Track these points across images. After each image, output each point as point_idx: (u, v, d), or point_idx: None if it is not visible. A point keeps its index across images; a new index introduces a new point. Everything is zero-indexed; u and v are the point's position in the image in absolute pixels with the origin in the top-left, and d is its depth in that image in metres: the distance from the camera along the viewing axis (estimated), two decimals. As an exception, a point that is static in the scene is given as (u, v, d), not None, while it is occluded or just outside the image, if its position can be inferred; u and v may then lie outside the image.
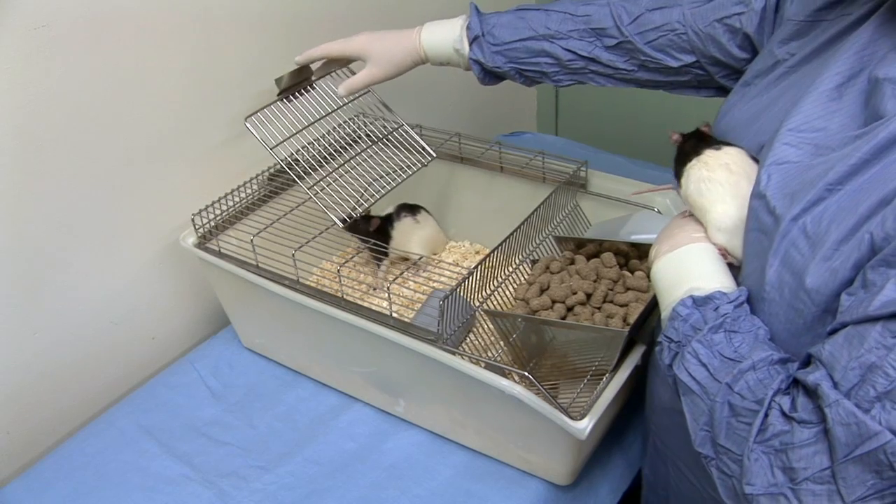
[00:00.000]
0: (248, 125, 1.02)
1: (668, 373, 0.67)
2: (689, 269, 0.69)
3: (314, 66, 1.10)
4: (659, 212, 1.06)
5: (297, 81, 1.08)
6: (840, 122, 0.64)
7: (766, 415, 0.57)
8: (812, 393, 0.55)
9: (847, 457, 0.52)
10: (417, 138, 1.12)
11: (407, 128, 1.13)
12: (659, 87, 0.95)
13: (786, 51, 0.75)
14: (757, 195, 0.66)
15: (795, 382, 0.58)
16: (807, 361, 0.59)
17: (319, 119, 1.08)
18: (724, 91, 0.90)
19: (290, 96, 1.08)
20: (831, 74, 0.66)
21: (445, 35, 1.00)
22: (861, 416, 0.51)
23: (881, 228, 0.54)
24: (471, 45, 0.99)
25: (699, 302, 0.66)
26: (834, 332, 0.56)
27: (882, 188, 0.56)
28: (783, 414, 0.56)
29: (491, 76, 1.02)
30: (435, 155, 1.10)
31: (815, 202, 0.60)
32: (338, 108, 1.10)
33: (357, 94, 1.11)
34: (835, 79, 0.65)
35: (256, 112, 1.04)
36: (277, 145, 1.03)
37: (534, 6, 0.98)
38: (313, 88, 1.10)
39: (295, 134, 1.06)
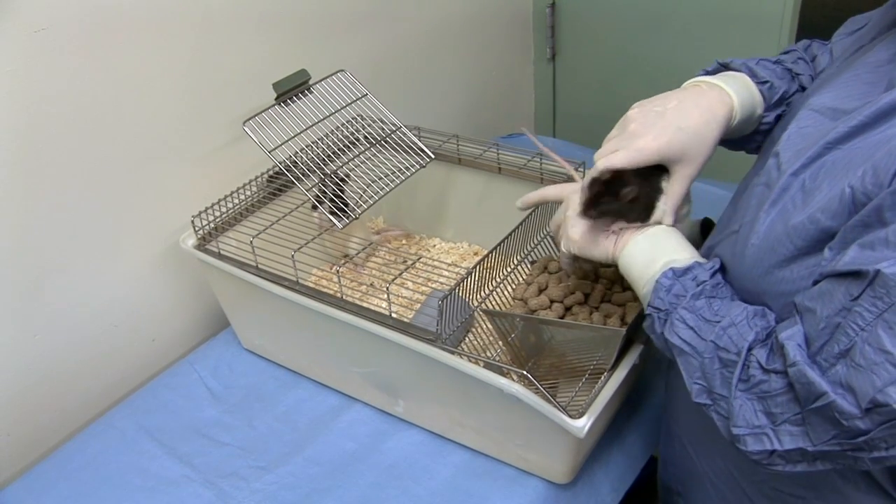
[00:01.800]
0: (246, 129, 1.03)
1: (659, 339, 0.72)
2: (663, 246, 0.74)
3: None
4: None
5: (296, 85, 1.09)
6: (863, 89, 0.66)
7: (746, 365, 0.63)
8: (782, 348, 0.60)
9: (807, 409, 0.58)
10: (416, 140, 1.13)
11: (405, 130, 1.14)
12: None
13: (878, 29, 0.73)
14: (773, 154, 0.69)
15: (774, 334, 0.62)
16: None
17: (318, 122, 1.09)
18: None
19: (288, 100, 1.08)
20: (872, 56, 0.68)
21: (747, 86, 0.80)
22: (811, 376, 0.56)
23: (860, 183, 0.57)
24: (765, 100, 0.81)
25: (678, 273, 0.70)
26: (815, 283, 0.60)
27: (873, 149, 0.58)
28: (760, 365, 0.61)
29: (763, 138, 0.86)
30: (433, 157, 1.11)
31: (814, 158, 0.63)
32: (336, 111, 1.11)
33: (357, 97, 1.11)
34: (874, 60, 0.68)
35: (255, 116, 1.04)
36: (276, 148, 1.03)
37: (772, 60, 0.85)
38: (311, 92, 1.10)
39: (293, 137, 1.06)
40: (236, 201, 1.11)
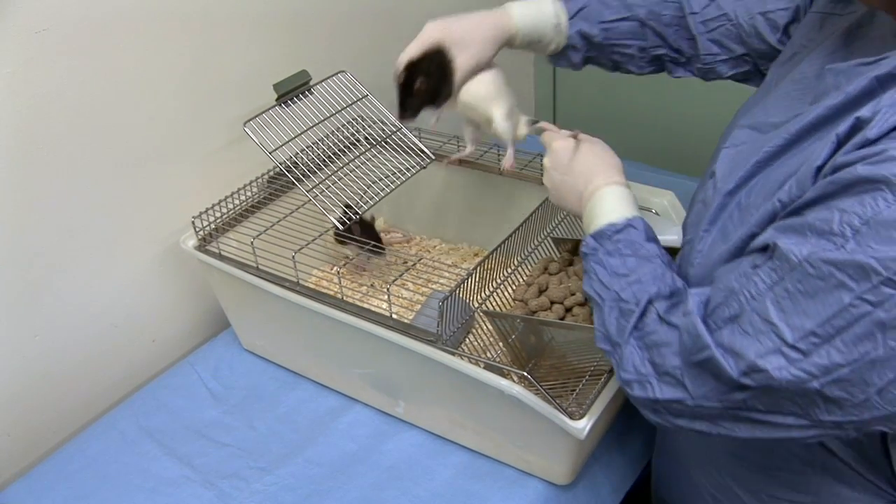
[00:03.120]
0: (246, 129, 1.03)
1: (585, 295, 0.76)
2: (592, 211, 0.79)
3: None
4: (657, 213, 1.06)
5: (296, 86, 1.09)
6: (788, 105, 0.69)
7: (643, 315, 0.67)
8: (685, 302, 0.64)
9: (690, 360, 0.61)
10: (416, 141, 1.13)
11: (406, 131, 1.14)
12: (718, 74, 0.95)
13: (801, 42, 0.77)
14: (709, 173, 0.73)
15: (683, 292, 0.67)
16: None
17: (318, 123, 1.09)
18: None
19: (289, 101, 1.08)
20: (798, 71, 0.72)
21: (539, 10, 0.92)
22: (700, 329, 0.60)
23: (787, 196, 0.60)
24: (572, 18, 0.93)
25: (596, 236, 0.75)
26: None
27: (798, 164, 0.61)
28: (658, 316, 0.66)
29: (589, 53, 0.97)
30: (434, 157, 1.11)
31: (746, 178, 0.67)
32: (337, 112, 1.11)
33: (357, 98, 1.11)
34: (799, 75, 0.71)
35: (255, 117, 1.04)
36: (276, 149, 1.03)
37: None
38: (312, 93, 1.10)
39: (294, 138, 1.06)
40: (237, 202, 1.11)
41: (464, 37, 0.89)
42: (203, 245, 1.06)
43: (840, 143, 0.56)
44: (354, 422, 1.04)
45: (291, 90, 1.08)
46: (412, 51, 0.89)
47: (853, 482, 0.70)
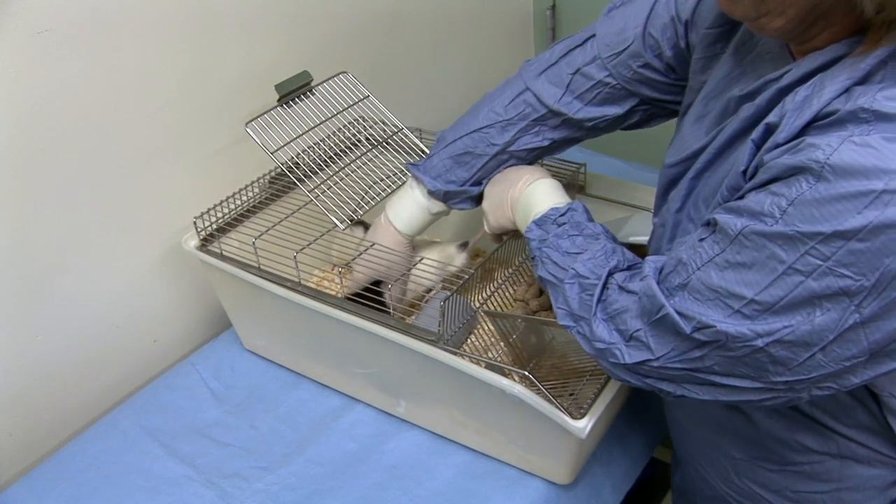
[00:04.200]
0: (248, 130, 1.03)
1: (541, 283, 0.80)
2: (527, 204, 0.86)
3: None
4: (657, 213, 1.07)
5: (298, 87, 1.09)
6: (696, 136, 0.75)
7: (605, 287, 0.72)
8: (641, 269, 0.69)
9: (650, 321, 0.66)
10: (417, 142, 1.13)
11: (407, 132, 1.14)
12: (610, 130, 0.95)
13: (699, 84, 0.80)
14: (663, 201, 0.79)
15: (641, 264, 0.72)
16: None
17: (320, 123, 1.09)
18: (675, 115, 0.91)
19: (291, 101, 1.08)
20: (698, 100, 0.78)
21: (415, 212, 1.01)
22: (656, 289, 0.65)
23: (722, 197, 0.66)
24: (447, 201, 1.00)
25: (539, 222, 0.82)
26: None
27: (727, 171, 0.68)
28: (618, 286, 0.71)
29: (461, 201, 1.01)
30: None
31: (687, 194, 0.74)
32: (338, 113, 1.11)
33: (358, 99, 1.12)
34: (700, 103, 0.77)
35: (257, 117, 1.04)
36: (278, 150, 1.04)
37: (458, 135, 0.97)
38: (313, 94, 1.11)
39: (295, 139, 1.06)
40: (238, 202, 1.11)
41: (387, 270, 0.98)
42: (205, 245, 1.06)
43: (758, 147, 0.63)
44: (356, 421, 1.04)
45: (293, 91, 1.09)
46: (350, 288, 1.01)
47: (872, 460, 0.73)
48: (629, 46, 0.86)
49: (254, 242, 0.99)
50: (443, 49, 1.55)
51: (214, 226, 1.08)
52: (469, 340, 0.94)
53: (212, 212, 1.07)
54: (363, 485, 0.95)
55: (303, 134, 1.07)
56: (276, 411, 1.07)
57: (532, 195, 0.86)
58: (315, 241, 1.00)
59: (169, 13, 1.03)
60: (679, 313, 0.63)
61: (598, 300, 0.71)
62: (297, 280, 0.98)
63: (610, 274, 0.72)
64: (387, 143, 1.13)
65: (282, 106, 1.08)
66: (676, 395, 0.68)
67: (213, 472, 0.98)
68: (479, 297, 0.95)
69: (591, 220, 0.81)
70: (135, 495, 0.96)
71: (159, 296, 1.16)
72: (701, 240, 0.64)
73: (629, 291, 0.69)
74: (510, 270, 1.01)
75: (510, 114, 0.94)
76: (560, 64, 0.91)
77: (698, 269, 0.62)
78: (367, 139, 1.19)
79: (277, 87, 1.07)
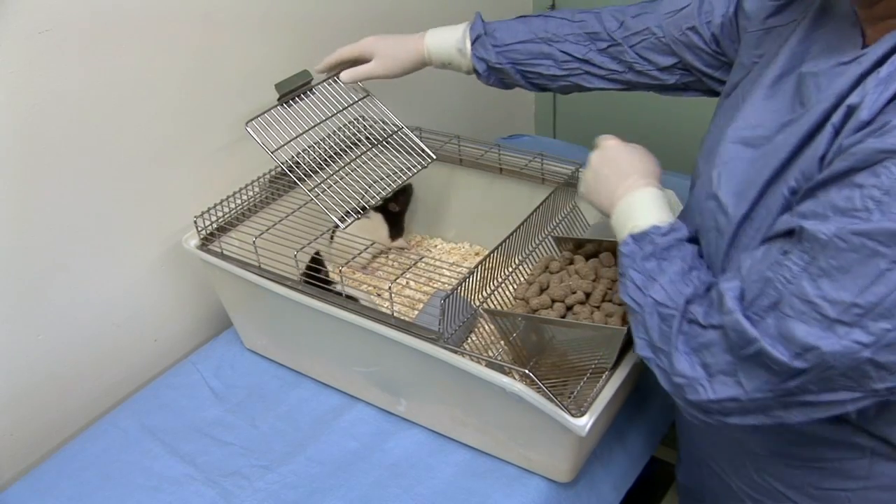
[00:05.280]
0: (248, 129, 1.03)
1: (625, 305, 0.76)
2: (629, 211, 0.79)
3: (323, 74, 1.12)
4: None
5: (298, 86, 1.09)
6: (773, 116, 0.71)
7: (684, 318, 0.67)
8: (721, 299, 0.64)
9: (740, 355, 0.62)
10: (417, 141, 1.13)
11: (407, 131, 1.14)
12: (649, 88, 1.00)
13: (751, 59, 0.79)
14: (711, 196, 0.73)
15: (716, 287, 0.66)
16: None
17: (320, 123, 1.10)
18: (711, 93, 0.95)
19: (291, 101, 1.09)
20: (767, 76, 0.74)
21: (449, 36, 1.05)
22: (744, 324, 0.61)
23: (795, 183, 0.64)
24: (473, 44, 1.03)
25: (637, 238, 0.75)
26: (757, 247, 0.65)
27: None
28: (700, 317, 0.66)
29: (495, 75, 1.05)
30: (435, 157, 1.11)
31: (759, 198, 0.68)
32: (338, 112, 1.11)
33: (358, 98, 1.12)
34: (769, 79, 0.73)
35: (257, 116, 1.05)
36: (278, 149, 1.04)
37: (534, 14, 1.02)
38: (313, 93, 1.11)
39: (295, 138, 1.07)
40: (239, 202, 1.11)
41: (386, 51, 1.07)
42: (205, 244, 1.07)
43: (837, 132, 0.59)
44: (356, 420, 1.04)
45: (293, 90, 1.09)
46: (345, 52, 1.08)
47: (892, 454, 0.71)
48: (685, 7, 0.90)
49: (254, 242, 0.99)
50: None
51: (215, 225, 1.08)
52: (469, 339, 0.94)
53: (212, 211, 1.07)
54: (363, 483, 0.95)
55: (303, 133, 1.07)
56: (276, 410, 1.07)
57: (636, 203, 0.78)
58: (315, 240, 1.01)
59: (169, 13, 1.03)
60: (774, 338, 0.59)
61: (679, 331, 0.67)
62: (297, 279, 0.98)
63: (688, 302, 0.68)
64: (386, 143, 1.13)
65: (282, 105, 1.08)
66: (763, 426, 0.64)
67: (214, 471, 0.98)
68: (480, 296, 0.95)
69: (690, 240, 0.75)
70: (136, 494, 0.96)
71: (160, 295, 1.16)
72: (785, 253, 0.60)
73: (713, 327, 0.65)
74: (510, 269, 1.01)
75: (575, 17, 1.00)
76: (632, 7, 0.97)
77: (789, 282, 0.59)
78: (367, 139, 1.19)
79: (277, 87, 1.08)
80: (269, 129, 1.04)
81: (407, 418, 1.03)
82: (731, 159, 0.73)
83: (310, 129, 1.08)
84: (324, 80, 1.12)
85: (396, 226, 1.27)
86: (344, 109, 1.12)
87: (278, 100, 1.08)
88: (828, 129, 0.60)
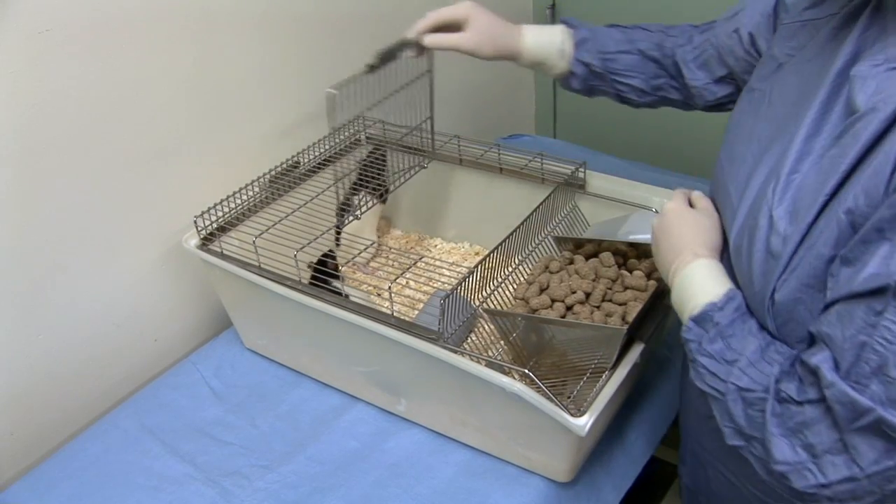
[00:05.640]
0: (332, 91, 0.98)
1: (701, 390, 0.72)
2: (683, 294, 0.74)
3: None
4: (657, 212, 1.07)
5: (391, 56, 1.02)
6: (819, 121, 0.67)
7: (776, 400, 0.62)
8: (814, 373, 0.60)
9: (850, 429, 0.57)
10: (417, 141, 1.13)
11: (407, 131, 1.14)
12: (710, 100, 0.96)
13: (785, 53, 0.77)
14: (765, 214, 0.68)
15: (800, 361, 0.62)
16: (811, 341, 0.63)
17: (378, 103, 1.06)
18: None
19: (374, 68, 1.01)
20: (800, 79, 0.71)
21: (548, 36, 1.00)
22: (853, 395, 0.56)
23: (855, 205, 0.59)
24: (576, 47, 1.00)
25: (697, 320, 0.71)
26: (826, 308, 0.61)
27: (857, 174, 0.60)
28: (791, 398, 0.61)
29: (591, 81, 1.02)
30: (434, 157, 1.11)
31: (816, 217, 0.63)
32: (401, 89, 1.07)
33: (418, 76, 1.09)
34: (801, 81, 0.71)
35: (344, 84, 1.00)
36: (341, 127, 0.98)
37: (630, 25, 1.02)
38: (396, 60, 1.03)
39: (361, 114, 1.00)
40: (239, 201, 1.12)
41: (482, 25, 0.98)
42: (205, 244, 1.07)
43: None
44: (356, 420, 1.04)
45: (385, 60, 1.02)
46: (443, 15, 0.99)
47: None
48: (737, 13, 0.88)
49: (254, 241, 0.99)
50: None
51: (215, 225, 1.08)
52: (469, 339, 0.94)
53: (212, 211, 1.07)
54: (363, 483, 0.95)
55: (369, 109, 1.04)
56: (276, 410, 1.07)
57: (688, 281, 0.74)
58: (315, 239, 1.01)
59: (169, 13, 1.03)
60: (887, 404, 0.55)
61: (772, 414, 0.62)
62: (297, 279, 0.98)
63: (778, 381, 0.63)
64: (387, 142, 1.13)
65: (366, 73, 1.01)
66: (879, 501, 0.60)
67: (214, 471, 0.98)
68: (480, 296, 0.95)
69: (746, 310, 0.70)
70: (136, 494, 0.96)
71: (160, 295, 1.16)
72: (878, 313, 0.56)
73: (809, 402, 0.60)
74: (510, 269, 1.01)
75: (671, 32, 0.99)
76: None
77: (891, 343, 0.55)
78: (368, 138, 1.19)
79: (378, 54, 1.00)
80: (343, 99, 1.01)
81: (407, 418, 1.03)
82: (792, 179, 0.67)
83: (373, 107, 1.05)
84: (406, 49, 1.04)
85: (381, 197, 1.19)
86: (402, 89, 1.08)
87: (370, 66, 1.01)
88: (894, 150, 0.56)
